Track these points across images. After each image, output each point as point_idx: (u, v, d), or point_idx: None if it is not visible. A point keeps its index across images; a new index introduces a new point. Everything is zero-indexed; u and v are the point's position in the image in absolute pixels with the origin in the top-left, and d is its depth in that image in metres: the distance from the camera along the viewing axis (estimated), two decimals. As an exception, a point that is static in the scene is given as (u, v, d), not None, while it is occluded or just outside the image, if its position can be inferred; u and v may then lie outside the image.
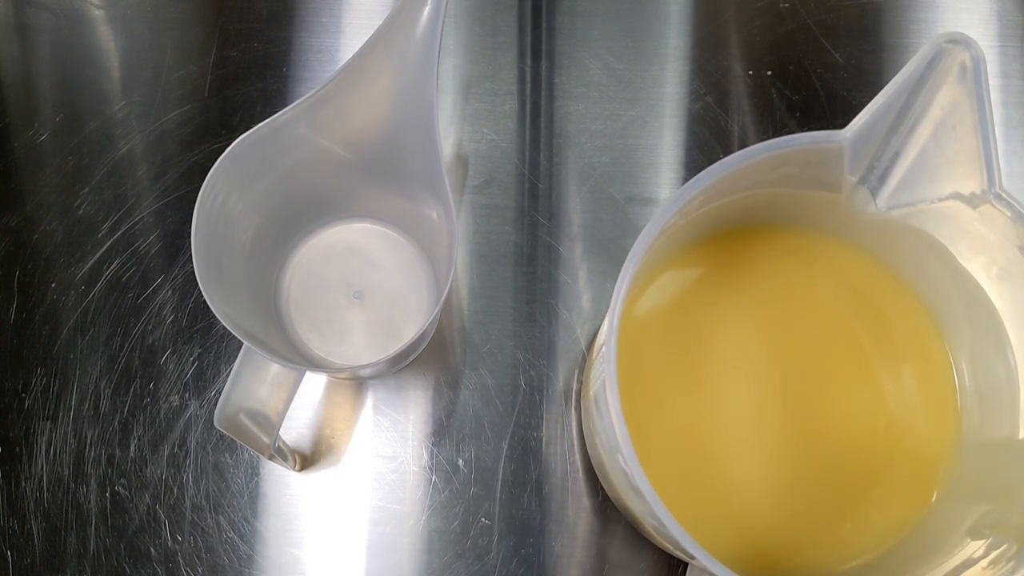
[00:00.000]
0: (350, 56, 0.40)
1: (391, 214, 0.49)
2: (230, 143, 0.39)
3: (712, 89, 0.54)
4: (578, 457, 0.49)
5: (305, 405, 0.50)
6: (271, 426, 0.41)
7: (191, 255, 0.38)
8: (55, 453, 0.49)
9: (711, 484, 0.42)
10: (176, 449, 0.49)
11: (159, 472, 0.49)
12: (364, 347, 0.48)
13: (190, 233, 0.38)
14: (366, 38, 0.40)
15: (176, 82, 0.54)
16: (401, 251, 0.49)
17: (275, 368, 0.41)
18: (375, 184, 0.46)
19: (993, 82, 0.53)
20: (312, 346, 0.48)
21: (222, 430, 0.41)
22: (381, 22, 0.40)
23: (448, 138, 0.53)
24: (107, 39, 0.56)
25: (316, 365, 0.48)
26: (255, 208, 0.44)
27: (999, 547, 0.37)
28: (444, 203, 0.41)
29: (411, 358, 0.50)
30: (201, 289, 0.38)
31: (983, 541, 0.38)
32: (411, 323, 0.48)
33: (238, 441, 0.41)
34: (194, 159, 0.53)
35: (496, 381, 0.50)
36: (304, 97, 0.40)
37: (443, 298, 0.39)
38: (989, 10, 0.55)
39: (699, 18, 0.55)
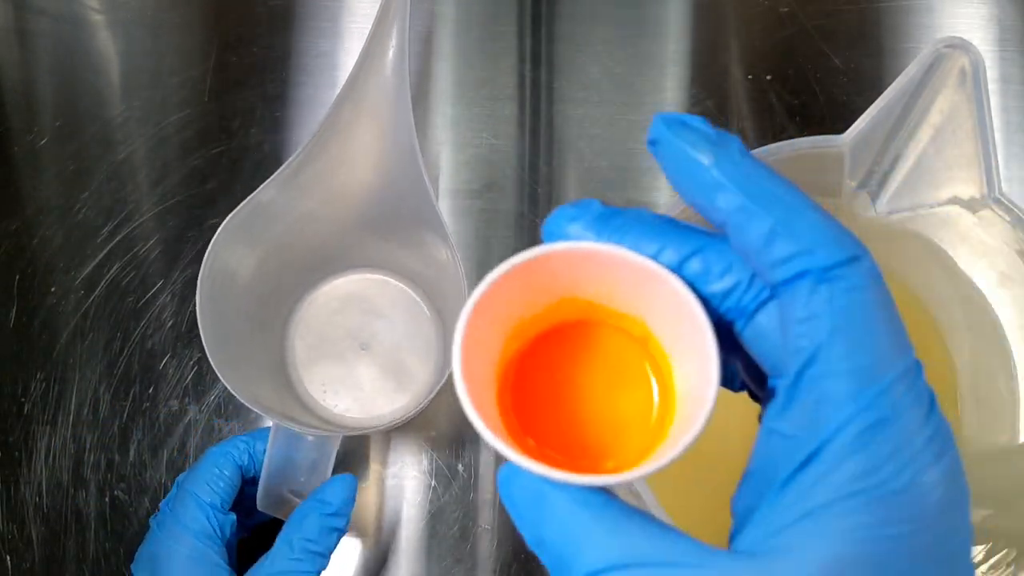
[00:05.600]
0: (335, 91, 0.41)
1: (383, 260, 0.49)
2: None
3: (712, 93, 0.54)
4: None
5: (304, 410, 0.50)
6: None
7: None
8: (54, 458, 0.49)
9: (710, 486, 0.42)
10: (175, 454, 0.49)
11: (158, 477, 0.49)
12: (377, 394, 0.48)
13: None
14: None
15: (176, 87, 0.54)
16: (399, 294, 0.49)
17: (310, 441, 0.41)
18: (367, 233, 0.46)
19: (992, 87, 0.53)
20: (327, 404, 0.48)
21: (268, 512, 0.41)
22: (347, 75, 0.40)
23: (447, 143, 0.53)
24: (107, 44, 0.56)
25: (346, 426, 0.47)
26: (254, 282, 0.44)
27: (999, 552, 0.37)
28: (442, 237, 0.41)
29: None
30: (221, 378, 0.38)
31: (983, 546, 0.38)
32: (420, 363, 0.48)
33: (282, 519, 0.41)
34: (194, 163, 0.53)
35: (496, 386, 0.50)
36: (281, 168, 0.41)
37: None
38: (988, 15, 0.55)
39: (699, 23, 0.55)
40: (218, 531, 0.40)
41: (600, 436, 0.21)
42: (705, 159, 0.20)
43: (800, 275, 0.19)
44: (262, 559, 0.40)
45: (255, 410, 0.38)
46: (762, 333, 0.21)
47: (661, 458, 0.20)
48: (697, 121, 0.21)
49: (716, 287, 0.21)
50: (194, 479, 0.41)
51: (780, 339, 0.21)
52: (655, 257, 0.21)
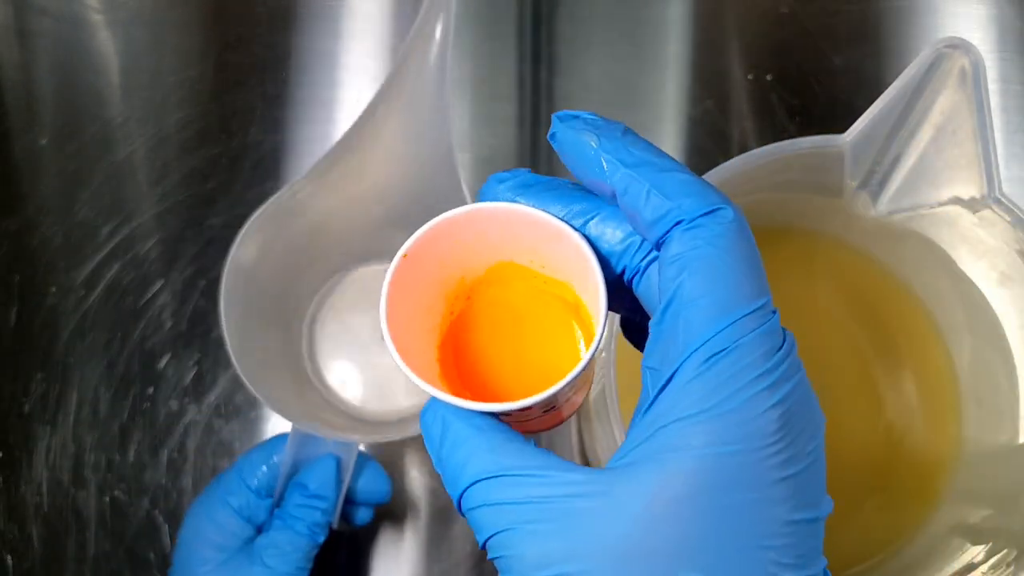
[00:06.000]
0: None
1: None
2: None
3: (712, 94, 0.54)
4: (578, 462, 0.48)
5: (304, 410, 0.49)
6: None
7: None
8: (54, 458, 0.49)
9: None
10: (175, 454, 0.49)
11: (158, 477, 0.49)
12: (396, 386, 0.48)
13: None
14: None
15: (175, 86, 0.54)
16: None
17: (329, 445, 0.42)
18: (391, 228, 0.46)
19: (992, 87, 0.53)
20: (346, 396, 0.48)
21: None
22: (388, 73, 0.40)
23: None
24: (107, 44, 0.56)
25: (363, 419, 0.47)
26: (273, 276, 0.44)
27: (999, 552, 0.37)
28: None
29: None
30: (247, 383, 0.39)
31: (983, 546, 0.38)
32: None
33: None
34: (194, 163, 0.53)
35: (496, 386, 0.50)
36: (313, 165, 0.40)
37: None
38: (988, 15, 0.55)
39: (699, 23, 0.55)
40: (245, 508, 0.42)
41: (531, 391, 0.23)
42: (592, 140, 0.24)
43: (674, 226, 0.22)
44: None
45: (272, 410, 0.38)
46: (650, 287, 0.24)
47: (542, 393, 0.23)
48: (587, 114, 0.25)
49: (614, 247, 0.24)
50: (246, 457, 0.43)
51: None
52: (562, 218, 0.24)
